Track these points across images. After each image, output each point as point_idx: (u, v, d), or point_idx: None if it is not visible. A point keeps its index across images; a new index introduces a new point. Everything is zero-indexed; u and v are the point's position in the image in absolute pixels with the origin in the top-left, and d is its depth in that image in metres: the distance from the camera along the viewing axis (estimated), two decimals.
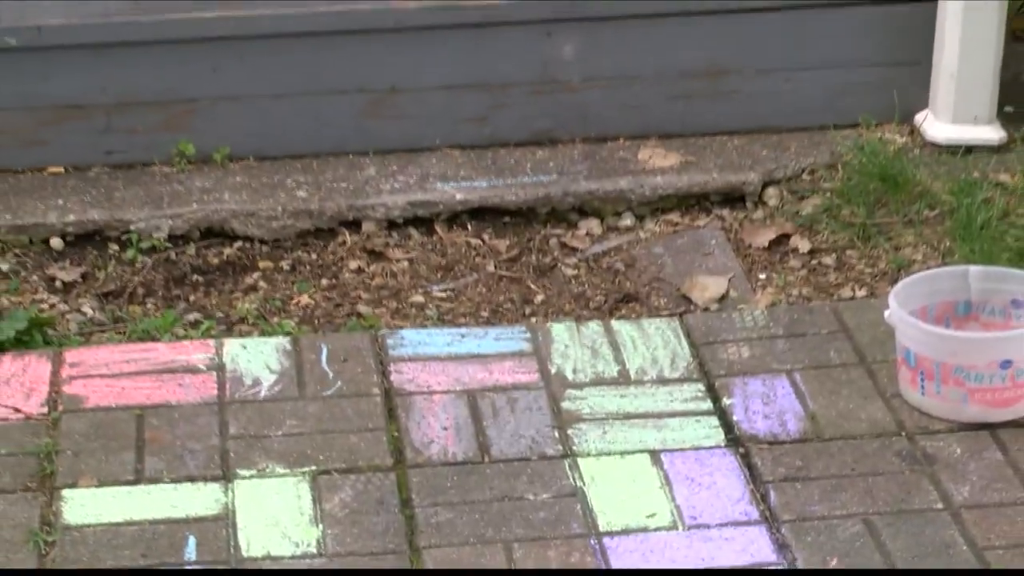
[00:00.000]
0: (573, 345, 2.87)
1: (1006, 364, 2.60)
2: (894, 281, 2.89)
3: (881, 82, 3.43)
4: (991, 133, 3.35)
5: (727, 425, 2.66)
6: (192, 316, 3.04)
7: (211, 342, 2.90)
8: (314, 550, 2.36)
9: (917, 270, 3.00)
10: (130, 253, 3.17)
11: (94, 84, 3.31)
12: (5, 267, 3.12)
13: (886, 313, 2.68)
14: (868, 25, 3.42)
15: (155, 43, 3.32)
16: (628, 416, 2.68)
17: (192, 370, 2.81)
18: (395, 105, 3.39)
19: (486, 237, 3.26)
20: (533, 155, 3.40)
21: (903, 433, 2.63)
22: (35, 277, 3.11)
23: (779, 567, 2.34)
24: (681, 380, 2.79)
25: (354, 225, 3.25)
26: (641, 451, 2.59)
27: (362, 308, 3.07)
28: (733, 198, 3.32)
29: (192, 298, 3.10)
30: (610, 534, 2.40)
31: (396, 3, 3.35)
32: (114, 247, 3.19)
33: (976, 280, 2.78)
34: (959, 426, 2.63)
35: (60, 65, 3.30)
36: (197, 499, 2.48)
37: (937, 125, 3.37)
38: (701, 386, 2.77)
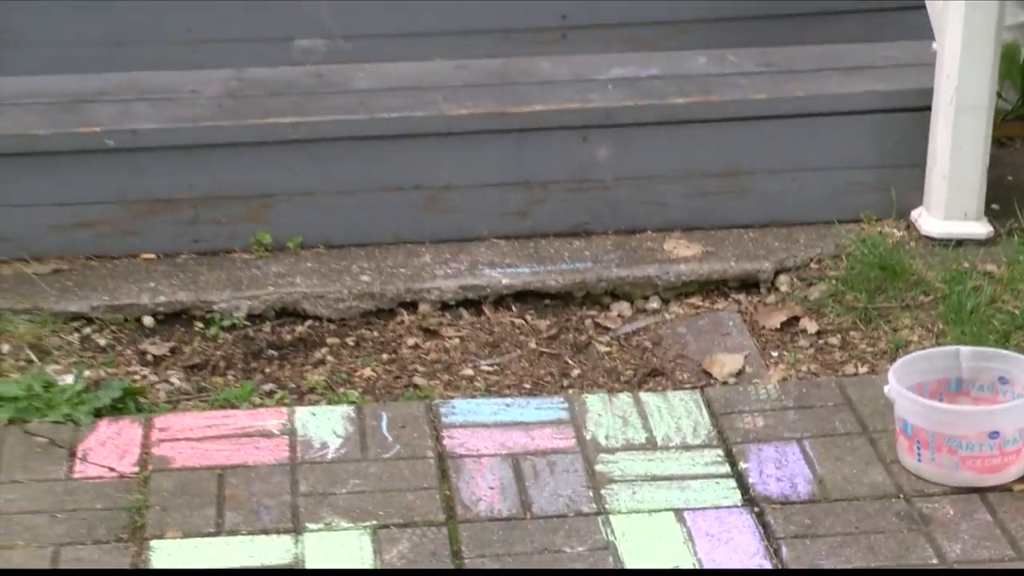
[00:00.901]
0: (606, 414, 2.86)
1: (994, 435, 2.58)
2: (893, 359, 2.88)
3: (880, 182, 3.42)
4: (979, 228, 3.34)
5: (743, 487, 2.64)
6: (267, 386, 3.03)
7: (284, 410, 2.90)
8: None
9: (913, 350, 2.98)
10: (213, 330, 3.17)
11: (183, 181, 3.33)
12: (103, 342, 3.13)
13: (886, 388, 2.67)
14: (869, 132, 3.42)
15: (237, 145, 3.33)
16: (655, 478, 2.67)
17: (267, 435, 2.81)
18: (448, 200, 3.39)
19: (528, 317, 3.25)
20: (570, 245, 3.39)
21: (901, 496, 2.60)
22: (129, 351, 3.12)
23: None
24: (702, 446, 2.77)
25: (411, 306, 3.25)
26: (667, 510, 2.57)
27: (418, 380, 3.07)
28: (749, 284, 3.31)
29: (268, 370, 3.10)
30: None
31: (448, 110, 3.36)
32: (199, 325, 3.19)
33: (966, 359, 2.78)
34: (952, 490, 2.60)
35: (153, 164, 3.31)
36: (271, 550, 2.47)
37: (931, 221, 3.36)
38: (720, 452, 2.76)
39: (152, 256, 3.35)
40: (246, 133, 3.34)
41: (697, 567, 2.43)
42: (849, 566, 2.42)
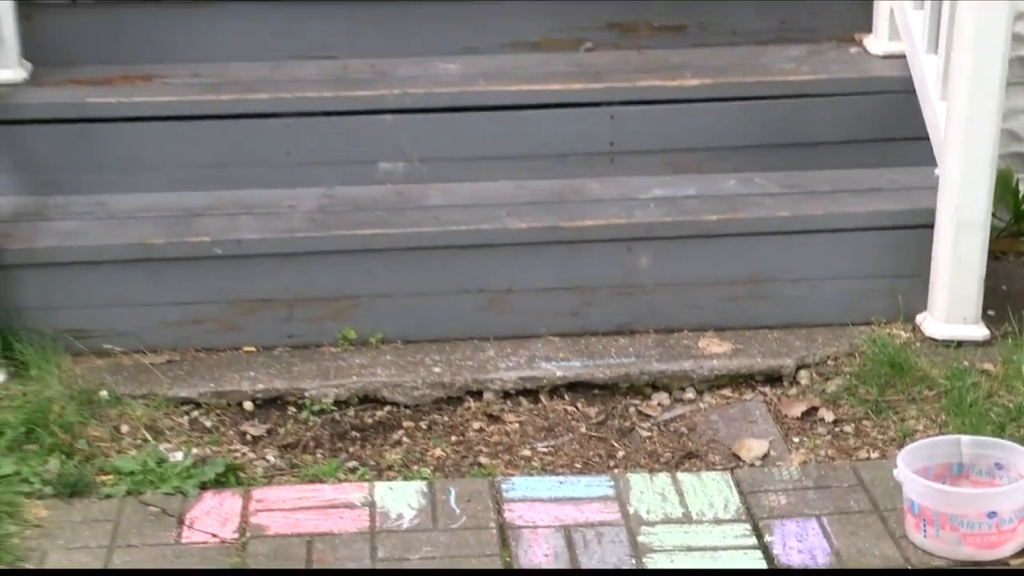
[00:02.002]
0: (647, 491, 2.85)
1: (992, 515, 2.57)
2: (901, 446, 2.86)
3: (889, 290, 3.41)
4: (977, 331, 3.32)
5: (768, 558, 2.62)
6: (351, 464, 3.02)
7: (365, 484, 2.90)
8: None
9: (919, 438, 2.96)
10: (304, 414, 3.18)
11: (280, 284, 3.34)
12: (208, 424, 3.13)
13: (895, 472, 2.66)
14: (879, 246, 3.41)
15: (327, 253, 3.35)
16: (690, 548, 2.65)
17: (350, 506, 2.81)
18: (509, 302, 3.40)
19: (579, 405, 3.24)
20: (616, 342, 3.38)
21: (909, 567, 2.58)
22: (231, 432, 3.12)
23: None
24: (732, 521, 2.75)
25: (477, 395, 3.24)
26: None
27: (482, 459, 3.06)
28: (773, 378, 3.29)
29: (351, 450, 3.09)
30: None
31: (510, 223, 3.37)
32: (292, 409, 3.19)
33: (967, 447, 2.76)
34: (954, 563, 2.58)
35: (254, 269, 3.33)
36: None
37: (934, 324, 3.34)
38: (748, 526, 2.74)
39: (252, 349, 3.36)
40: (335, 243, 3.35)
41: None
42: None
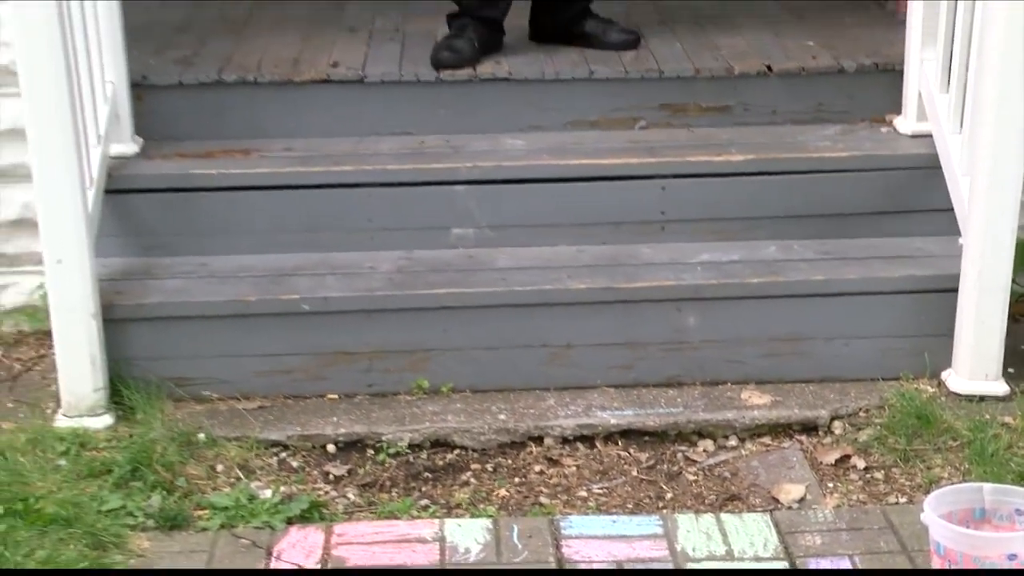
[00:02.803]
0: (693, 531, 2.83)
1: (1012, 556, 2.53)
2: (927, 492, 2.82)
3: (916, 348, 3.38)
4: (998, 387, 3.28)
5: None
6: (423, 502, 3.03)
7: (436, 521, 2.89)
8: None
9: (944, 485, 2.91)
10: (381, 456, 3.18)
11: (361, 338, 3.35)
12: (295, 464, 3.14)
13: (922, 516, 2.62)
14: (907, 308, 3.39)
15: (404, 310, 3.36)
16: None
17: (422, 541, 2.80)
18: (569, 356, 3.39)
19: (631, 451, 3.23)
20: (666, 393, 3.37)
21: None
22: (315, 472, 3.13)
23: None
24: (771, 559, 2.73)
25: (538, 440, 3.24)
26: None
27: (543, 499, 3.05)
28: (809, 428, 3.27)
29: (423, 489, 3.09)
30: None
31: (571, 284, 3.37)
32: (371, 451, 3.20)
33: (988, 494, 2.72)
34: None
35: (338, 324, 3.34)
36: None
37: (958, 380, 3.31)
38: (785, 564, 2.71)
39: (335, 397, 3.37)
40: (411, 301, 3.36)
41: None
42: None
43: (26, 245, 3.62)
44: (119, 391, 3.23)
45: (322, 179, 3.56)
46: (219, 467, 3.08)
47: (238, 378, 3.34)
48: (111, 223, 3.47)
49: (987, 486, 2.75)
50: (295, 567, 2.70)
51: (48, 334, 3.24)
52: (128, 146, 3.62)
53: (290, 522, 2.88)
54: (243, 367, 3.34)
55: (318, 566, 2.70)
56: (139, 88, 3.68)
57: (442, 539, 2.81)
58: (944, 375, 3.35)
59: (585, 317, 3.38)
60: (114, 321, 3.27)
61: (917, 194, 3.56)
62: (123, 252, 3.51)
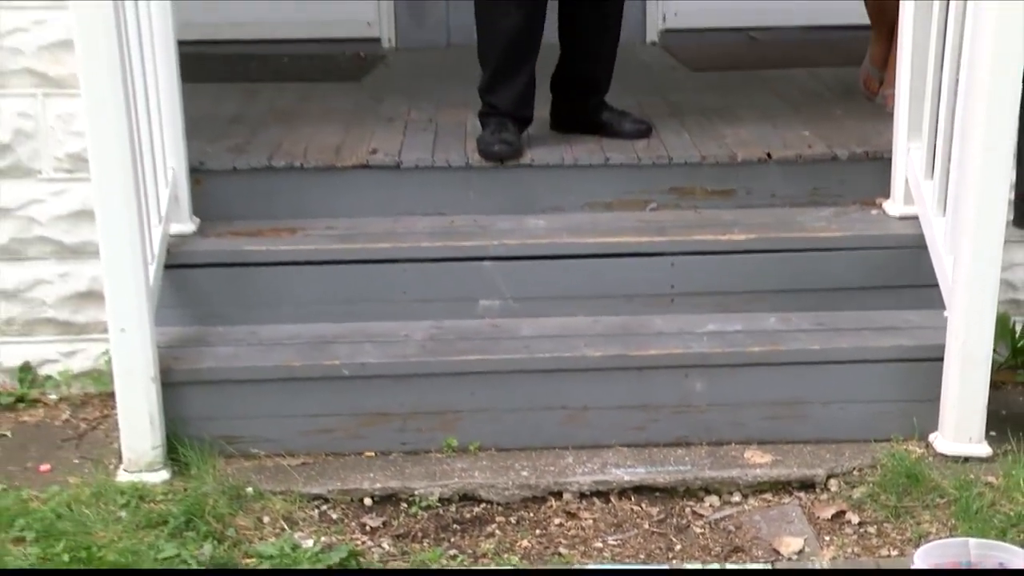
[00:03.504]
0: None
1: None
2: (917, 546, 2.81)
3: (905, 412, 3.36)
4: (981, 449, 3.26)
5: None
6: (452, 552, 3.01)
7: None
8: None
9: (933, 539, 2.90)
10: (414, 509, 3.17)
11: (396, 400, 3.35)
12: (335, 516, 3.13)
13: (912, 567, 2.60)
14: (897, 375, 3.38)
15: (435, 375, 3.36)
16: None
17: None
18: (586, 418, 3.39)
19: (643, 505, 3.21)
20: (675, 452, 3.36)
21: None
22: (353, 523, 3.12)
23: None
24: None
25: (557, 495, 3.22)
26: None
27: (562, 550, 3.03)
28: (807, 485, 3.25)
29: (452, 540, 3.08)
30: None
31: (588, 352, 3.38)
32: (404, 505, 3.19)
33: (974, 548, 2.70)
34: None
35: (375, 388, 3.35)
36: None
37: (944, 442, 3.29)
38: None
39: (372, 454, 3.36)
40: (442, 367, 3.37)
41: None
42: None
43: (93, 315, 3.63)
44: (175, 448, 3.24)
45: (361, 255, 3.57)
46: (265, 519, 3.07)
47: (283, 437, 3.34)
48: (170, 295, 3.49)
49: (972, 541, 2.73)
50: None
51: (112, 396, 3.25)
52: (186, 225, 3.64)
53: (330, 569, 2.87)
54: (288, 427, 3.34)
55: None
56: (197, 173, 3.71)
57: None
58: (931, 437, 3.33)
59: (601, 382, 3.38)
60: (171, 384, 3.28)
61: (905, 271, 3.56)
62: (180, 321, 3.52)
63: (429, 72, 4.93)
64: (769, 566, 2.83)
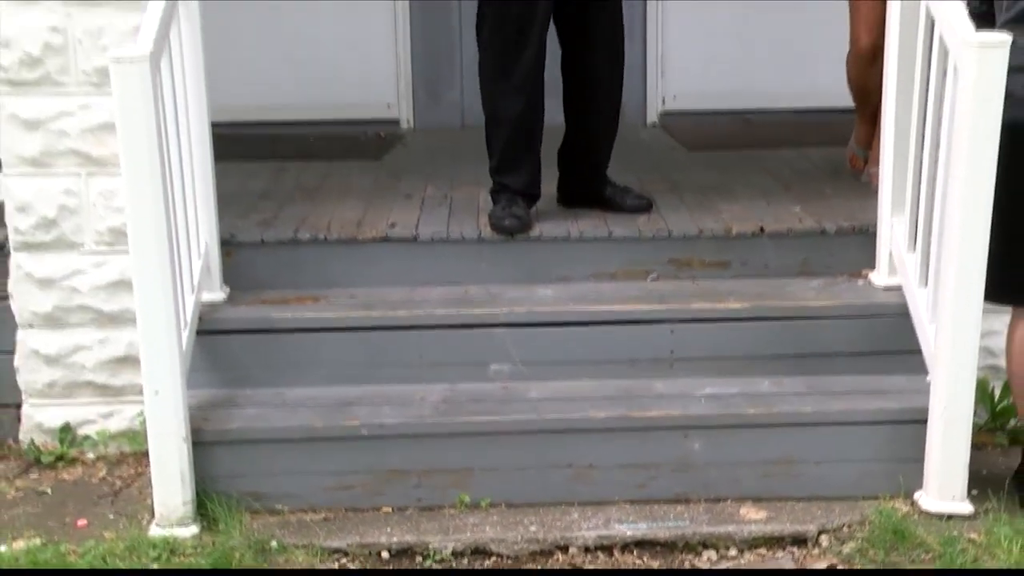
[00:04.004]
0: None
1: None
2: None
3: (892, 472, 3.35)
4: (964, 507, 3.24)
5: None
6: None
7: None
8: None
9: None
10: (428, 562, 3.15)
11: (412, 458, 3.35)
12: (354, 568, 3.12)
13: None
14: (883, 436, 3.37)
15: (449, 435, 3.36)
16: None
17: None
18: (591, 475, 3.38)
19: (645, 559, 3.19)
20: (674, 508, 3.34)
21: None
22: None
23: None
24: None
25: (564, 549, 3.20)
26: None
27: None
28: (799, 540, 3.23)
29: None
30: None
31: (593, 414, 3.37)
32: (419, 558, 3.17)
33: None
34: None
35: (393, 447, 3.35)
36: None
37: (929, 500, 3.27)
38: None
39: (389, 509, 3.35)
40: (455, 427, 3.36)
41: None
42: None
43: (129, 378, 3.64)
44: (204, 504, 3.23)
45: (380, 322, 3.58)
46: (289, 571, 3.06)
47: (306, 493, 3.33)
48: (201, 359, 3.50)
49: None
50: None
51: (146, 455, 3.25)
52: (217, 294, 3.66)
53: None
54: (311, 484, 3.33)
55: None
56: (228, 245, 3.73)
57: None
58: (917, 496, 3.31)
59: (605, 442, 3.37)
60: (201, 443, 3.28)
61: (890, 338, 3.55)
62: (210, 384, 3.53)
63: (445, 151, 4.97)
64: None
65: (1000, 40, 3.00)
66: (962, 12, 3.11)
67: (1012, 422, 3.64)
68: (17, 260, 3.62)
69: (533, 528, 3.24)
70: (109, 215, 3.57)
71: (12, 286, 3.63)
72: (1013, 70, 2.98)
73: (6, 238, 3.62)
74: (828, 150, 4.73)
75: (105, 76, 3.22)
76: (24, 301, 3.63)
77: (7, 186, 3.56)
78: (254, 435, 3.33)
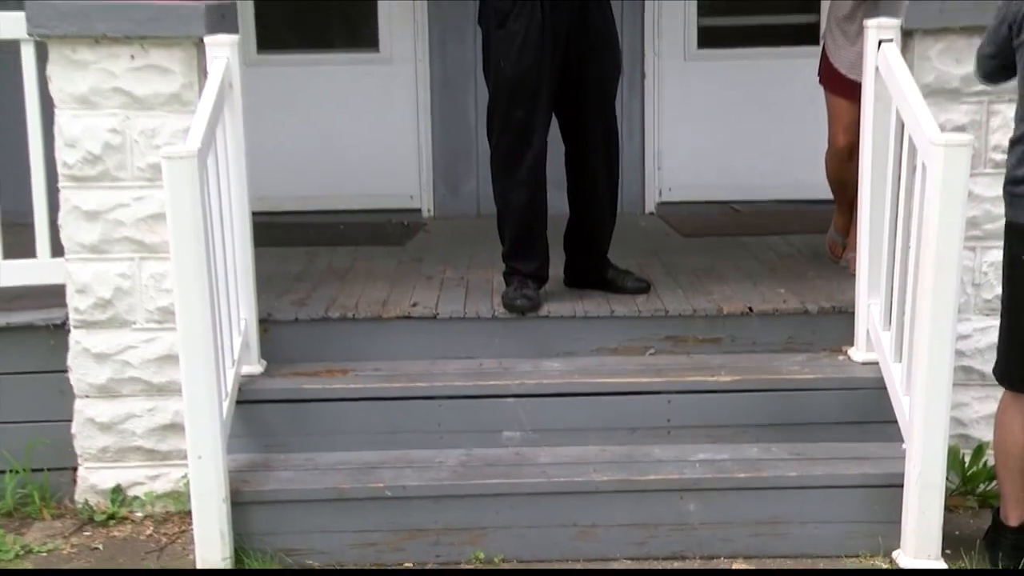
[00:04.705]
0: None
1: None
2: None
3: (872, 532, 3.34)
4: (939, 566, 3.20)
5: None
6: None
7: None
8: None
9: None
10: None
11: (432, 518, 3.34)
12: None
13: None
14: (863, 499, 3.36)
15: (465, 496, 3.36)
16: None
17: None
18: (595, 534, 3.36)
19: None
20: (671, 565, 3.32)
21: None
22: None
23: None
24: None
25: None
26: None
27: None
28: None
29: None
30: None
31: (596, 477, 3.36)
32: None
33: None
34: None
35: (414, 507, 3.34)
36: None
37: (905, 559, 3.25)
38: None
39: (410, 565, 3.33)
40: (471, 489, 3.36)
41: None
42: None
43: (175, 444, 3.65)
44: (241, 559, 3.23)
45: (402, 393, 3.59)
46: None
47: (334, 549, 3.32)
48: (240, 426, 3.51)
49: None
50: None
51: (189, 514, 3.25)
52: (255, 367, 3.68)
53: None
54: (338, 541, 3.32)
55: None
56: (265, 323, 3.75)
57: None
58: (895, 554, 3.29)
59: (608, 503, 3.36)
60: (239, 504, 3.29)
61: (868, 408, 3.55)
62: (248, 449, 3.54)
63: (462, 238, 5.01)
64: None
65: (963, 140, 3.04)
66: (928, 115, 3.15)
67: (981, 487, 3.61)
68: (76, 337, 3.64)
69: None
70: (159, 296, 3.61)
71: (71, 360, 3.66)
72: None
73: (67, 317, 3.65)
74: (810, 237, 4.76)
75: (157, 171, 3.28)
76: (81, 374, 3.65)
77: (69, 270, 3.59)
78: (288, 496, 3.33)
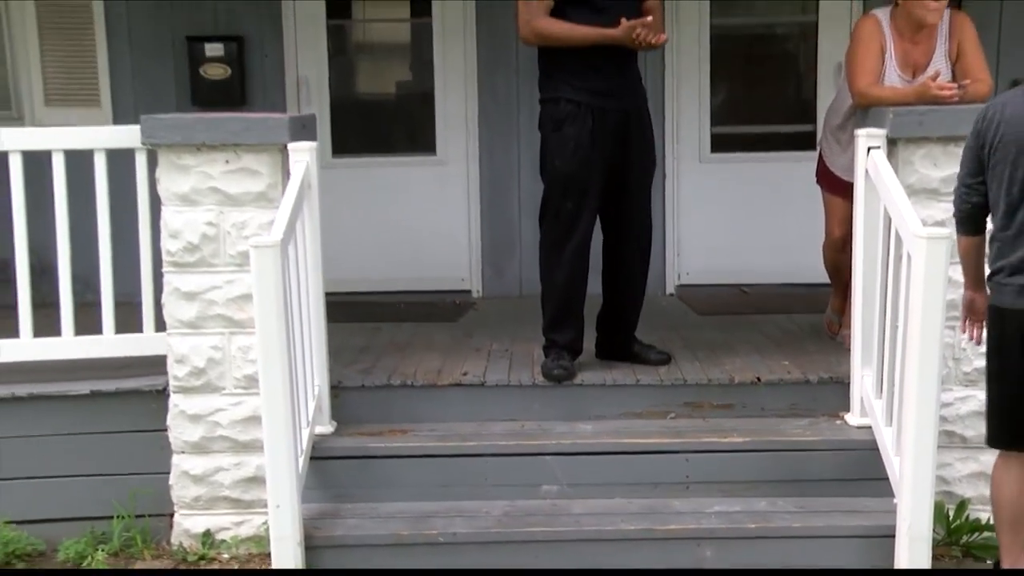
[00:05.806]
0: None
1: None
2: None
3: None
4: None
5: None
6: None
7: None
8: None
9: None
10: None
11: (479, 561, 3.31)
12: None
13: None
14: (860, 548, 3.31)
15: (509, 542, 3.34)
16: None
17: None
18: None
19: None
20: None
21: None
22: None
23: None
24: None
25: None
26: None
27: None
28: None
29: None
30: None
31: (623, 526, 3.35)
32: None
33: None
34: None
35: (463, 552, 3.33)
36: None
37: None
38: None
39: None
40: (513, 536, 3.35)
41: None
42: None
43: (257, 494, 3.67)
44: None
45: (454, 451, 3.59)
46: None
47: None
48: (312, 479, 3.53)
49: None
50: None
51: (268, 556, 3.26)
52: (326, 427, 3.70)
53: None
54: None
55: None
56: (335, 389, 3.79)
57: None
58: None
59: (633, 550, 3.35)
60: (312, 547, 3.29)
61: (862, 467, 3.52)
62: (319, 499, 3.55)
63: (506, 315, 5.04)
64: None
65: (943, 233, 3.06)
66: (912, 211, 3.17)
67: (965, 538, 3.56)
68: (174, 400, 3.70)
69: None
70: (245, 365, 3.66)
71: (170, 420, 3.71)
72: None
73: (167, 383, 3.71)
74: (810, 316, 4.75)
75: (246, 258, 3.36)
76: (178, 432, 3.70)
77: (169, 343, 3.67)
78: (353, 541, 3.34)
